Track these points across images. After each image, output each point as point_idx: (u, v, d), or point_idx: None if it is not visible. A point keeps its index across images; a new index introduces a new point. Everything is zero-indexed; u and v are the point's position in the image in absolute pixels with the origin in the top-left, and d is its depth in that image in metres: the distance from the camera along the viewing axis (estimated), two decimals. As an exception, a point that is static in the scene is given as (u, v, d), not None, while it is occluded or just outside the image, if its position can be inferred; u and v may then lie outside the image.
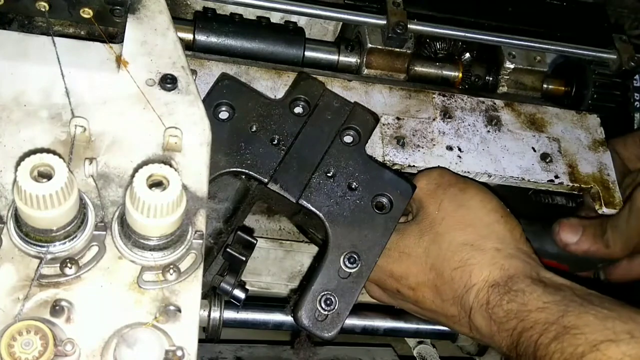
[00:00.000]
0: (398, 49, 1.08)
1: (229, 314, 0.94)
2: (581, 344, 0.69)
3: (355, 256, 0.81)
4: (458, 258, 0.83)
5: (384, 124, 0.98)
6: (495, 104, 1.05)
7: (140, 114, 0.73)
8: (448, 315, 0.85)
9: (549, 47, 1.12)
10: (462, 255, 0.83)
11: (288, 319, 0.96)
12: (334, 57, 1.10)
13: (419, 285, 0.86)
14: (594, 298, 0.74)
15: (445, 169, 0.95)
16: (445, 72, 1.13)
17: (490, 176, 0.99)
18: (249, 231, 0.90)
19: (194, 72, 0.80)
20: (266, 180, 0.83)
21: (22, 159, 0.56)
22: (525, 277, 0.79)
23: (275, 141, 0.85)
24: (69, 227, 0.60)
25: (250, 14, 1.12)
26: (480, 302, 0.80)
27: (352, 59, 1.10)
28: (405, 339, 1.20)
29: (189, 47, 1.03)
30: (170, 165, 0.59)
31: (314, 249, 1.14)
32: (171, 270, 0.63)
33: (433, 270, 0.85)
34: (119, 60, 0.76)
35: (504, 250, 0.83)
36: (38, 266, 0.61)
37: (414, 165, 0.96)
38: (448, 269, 0.83)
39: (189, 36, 1.03)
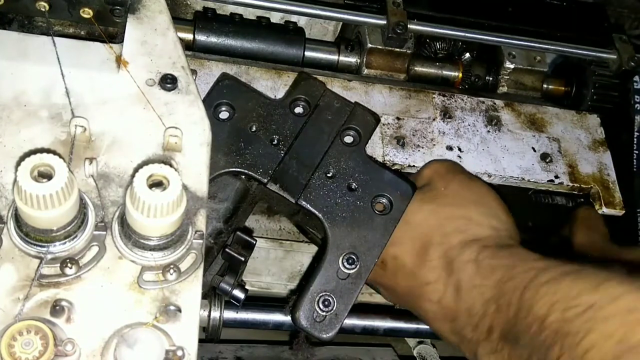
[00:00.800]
0: (398, 49, 1.08)
1: (229, 314, 0.94)
2: (578, 285, 0.62)
3: (354, 257, 0.81)
4: (454, 226, 0.81)
5: (384, 124, 0.98)
6: (495, 104, 1.06)
7: (140, 114, 0.73)
8: (423, 282, 0.80)
9: (549, 47, 1.12)
10: (458, 224, 0.81)
11: (288, 319, 0.96)
12: (334, 57, 1.10)
13: (403, 253, 0.83)
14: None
15: (457, 163, 0.96)
16: (445, 72, 1.13)
17: (490, 176, 0.99)
18: (249, 231, 0.90)
19: (194, 72, 0.80)
20: (266, 180, 0.83)
21: (22, 159, 0.56)
22: (522, 249, 0.77)
23: (275, 141, 0.85)
24: (69, 227, 0.60)
25: (250, 14, 1.12)
26: (468, 258, 0.76)
27: (352, 59, 1.10)
28: (405, 338, 1.20)
29: (189, 47, 1.03)
30: (171, 165, 0.59)
31: (314, 249, 1.14)
32: (171, 270, 0.63)
33: (424, 237, 0.83)
34: (119, 60, 0.76)
35: (501, 230, 0.81)
36: (38, 266, 0.61)
37: (414, 165, 0.96)
38: (439, 235, 0.81)
39: (189, 36, 1.03)
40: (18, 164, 0.56)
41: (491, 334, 0.71)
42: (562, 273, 0.66)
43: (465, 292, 0.76)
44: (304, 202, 0.83)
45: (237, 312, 0.96)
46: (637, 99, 1.14)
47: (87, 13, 0.83)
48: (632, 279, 0.61)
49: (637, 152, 1.12)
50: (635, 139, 1.13)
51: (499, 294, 0.71)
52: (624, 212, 1.02)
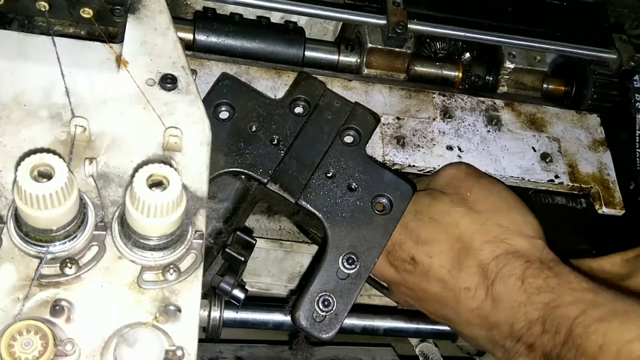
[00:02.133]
0: (398, 49, 1.08)
1: (229, 314, 0.94)
2: (630, 331, 0.63)
3: (354, 257, 0.81)
4: (493, 234, 0.80)
5: (384, 124, 0.98)
6: (495, 103, 1.06)
7: (140, 113, 0.73)
8: (461, 287, 0.80)
9: (549, 47, 1.12)
10: (498, 233, 0.80)
11: (288, 319, 0.96)
12: (334, 57, 1.10)
13: (440, 253, 0.82)
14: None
15: (473, 166, 0.94)
16: (445, 72, 1.13)
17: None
18: (249, 231, 0.90)
19: (194, 72, 0.80)
20: (266, 180, 0.83)
21: (22, 158, 0.56)
22: (566, 265, 0.76)
23: (275, 141, 0.85)
24: (69, 227, 0.60)
25: (250, 13, 1.12)
26: (512, 272, 0.76)
27: (352, 59, 1.10)
28: (408, 338, 1.20)
29: (189, 47, 1.03)
30: (170, 165, 0.59)
31: (314, 249, 1.14)
32: (171, 270, 0.63)
33: (460, 241, 0.82)
34: (119, 60, 0.76)
35: (537, 239, 0.81)
36: (38, 266, 0.61)
37: (414, 165, 0.96)
38: (479, 241, 0.80)
39: (189, 36, 1.03)
40: (18, 163, 0.56)
41: (533, 351, 0.72)
42: (612, 311, 0.67)
43: (506, 306, 0.75)
44: (303, 202, 0.83)
45: (237, 312, 0.96)
46: (638, 97, 1.14)
47: (87, 13, 0.83)
48: None
49: (639, 150, 1.11)
50: (637, 137, 1.13)
51: (545, 318, 0.71)
52: (624, 212, 1.02)
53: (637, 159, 1.12)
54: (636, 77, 1.14)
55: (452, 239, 0.82)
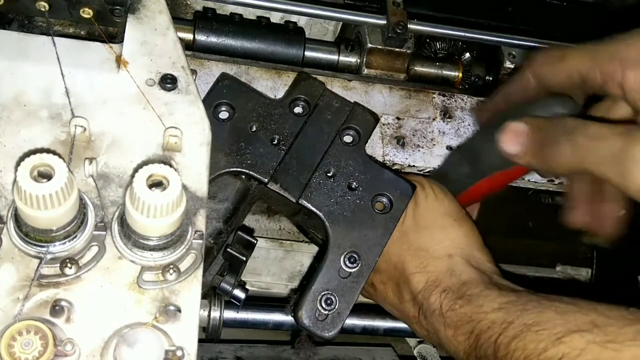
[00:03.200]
0: (398, 49, 1.08)
1: (229, 314, 0.94)
2: (543, 339, 0.66)
3: (356, 256, 0.81)
4: (417, 263, 0.83)
5: (384, 124, 0.98)
6: (495, 103, 1.05)
7: (140, 114, 0.73)
8: (409, 315, 0.84)
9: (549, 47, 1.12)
10: (420, 261, 0.83)
11: (288, 319, 0.96)
12: (334, 57, 1.10)
13: (388, 281, 0.86)
14: (552, 296, 0.72)
15: (427, 179, 0.92)
16: (445, 72, 1.13)
17: (490, 176, 0.99)
18: (249, 231, 0.90)
19: (194, 72, 0.80)
20: (266, 180, 0.83)
21: (22, 159, 0.56)
22: (478, 283, 0.78)
23: (275, 141, 0.85)
24: (69, 227, 0.60)
25: (250, 14, 1.12)
26: (433, 307, 0.79)
27: (352, 59, 1.10)
28: (406, 338, 1.20)
29: (189, 47, 1.03)
30: (170, 165, 0.59)
31: (314, 249, 1.14)
32: (171, 270, 0.63)
33: (397, 269, 0.85)
34: (119, 60, 0.76)
35: (456, 256, 0.82)
36: (38, 266, 0.61)
37: (414, 165, 0.96)
38: (407, 272, 0.83)
39: (189, 36, 1.03)
40: (18, 164, 0.56)
41: None
42: (524, 327, 0.69)
43: (443, 341, 0.79)
44: (304, 202, 0.83)
45: (237, 312, 0.96)
46: None
47: (87, 13, 0.83)
48: (590, 326, 0.64)
49: None
50: None
51: (474, 345, 0.74)
52: (623, 212, 1.02)
53: None
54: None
55: (391, 267, 0.85)
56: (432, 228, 0.85)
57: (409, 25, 1.05)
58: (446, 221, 0.85)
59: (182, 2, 1.15)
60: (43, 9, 0.82)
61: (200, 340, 0.63)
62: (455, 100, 1.04)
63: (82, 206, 0.62)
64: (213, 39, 1.05)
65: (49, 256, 0.61)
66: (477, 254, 0.83)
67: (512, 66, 1.12)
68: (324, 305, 0.80)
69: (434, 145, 0.99)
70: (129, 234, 0.62)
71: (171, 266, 0.63)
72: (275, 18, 1.14)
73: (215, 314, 0.90)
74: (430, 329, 0.81)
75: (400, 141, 0.98)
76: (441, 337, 0.79)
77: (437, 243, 0.83)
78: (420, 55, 1.13)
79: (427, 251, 0.83)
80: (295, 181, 0.84)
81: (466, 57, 1.15)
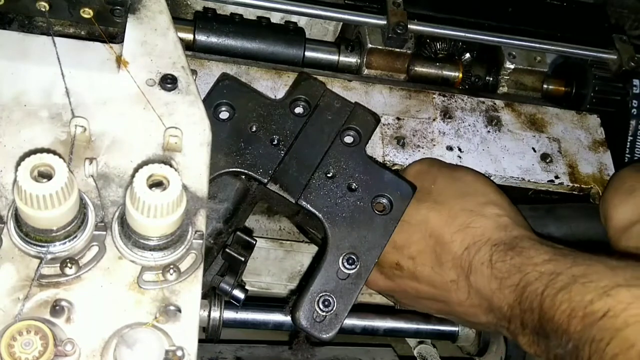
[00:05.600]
0: (398, 49, 1.08)
1: (229, 314, 0.94)
2: (590, 291, 0.66)
3: (354, 257, 0.81)
4: (459, 222, 0.82)
5: (384, 124, 0.98)
6: (495, 104, 1.06)
7: (140, 114, 0.73)
8: (447, 280, 0.82)
9: (549, 47, 1.12)
10: (463, 220, 0.82)
11: (288, 319, 0.96)
12: (334, 57, 1.10)
13: (420, 253, 0.84)
14: (602, 254, 0.72)
15: (435, 158, 0.96)
16: (446, 72, 1.13)
17: (491, 176, 0.99)
18: (249, 232, 0.90)
19: (194, 72, 0.80)
20: (266, 180, 0.83)
21: (22, 159, 0.56)
22: (529, 239, 0.78)
23: (275, 141, 0.85)
24: (69, 227, 0.60)
25: (250, 14, 1.12)
26: (482, 260, 0.78)
27: (352, 59, 1.10)
28: (406, 338, 1.20)
29: (189, 47, 1.03)
30: (170, 165, 0.59)
31: (314, 249, 1.14)
32: (171, 270, 0.63)
33: (432, 236, 0.83)
34: (119, 60, 0.76)
35: (505, 216, 0.82)
36: (38, 266, 0.61)
37: (414, 166, 0.96)
38: (448, 233, 0.82)
39: (189, 36, 1.03)
40: (18, 164, 0.56)
41: (525, 329, 0.74)
42: (571, 278, 0.69)
43: (487, 295, 0.78)
44: (304, 202, 0.83)
45: (237, 312, 0.96)
46: (635, 103, 1.13)
47: (87, 13, 0.83)
48: (638, 282, 0.64)
49: (629, 156, 1.11)
50: (628, 143, 1.13)
51: (519, 299, 0.74)
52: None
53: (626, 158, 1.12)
54: (635, 81, 1.13)
55: (425, 236, 0.84)
56: (476, 194, 0.85)
57: (409, 26, 1.05)
58: (488, 188, 0.87)
59: (182, 2, 1.15)
60: (43, 9, 0.82)
61: (200, 340, 0.63)
62: (455, 101, 1.04)
63: (83, 206, 0.62)
64: (213, 39, 1.05)
65: (49, 256, 0.61)
66: (520, 217, 0.84)
67: (512, 66, 1.12)
68: (321, 307, 0.79)
69: (434, 145, 0.99)
70: (129, 234, 0.62)
71: (171, 266, 0.63)
72: (276, 18, 1.14)
73: (215, 314, 0.90)
74: (472, 289, 0.79)
75: (401, 141, 0.98)
76: (484, 294, 0.78)
77: (482, 205, 0.83)
78: (420, 55, 1.13)
79: (472, 211, 0.83)
80: (295, 182, 0.84)
81: (466, 57, 1.15)
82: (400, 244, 0.85)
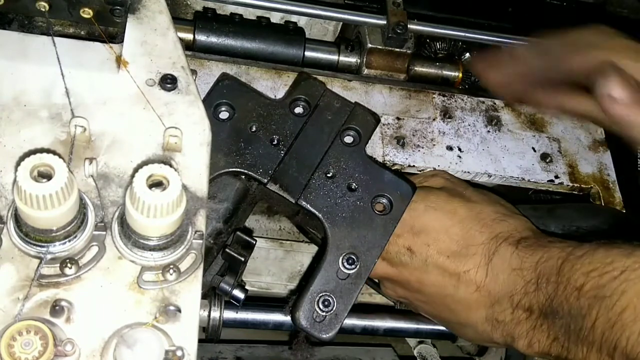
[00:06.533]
0: (398, 49, 1.08)
1: (229, 314, 0.94)
2: (612, 255, 0.67)
3: (354, 257, 0.81)
4: (491, 218, 0.84)
5: (384, 124, 0.98)
6: (495, 104, 1.06)
7: (140, 114, 0.73)
8: (460, 271, 0.81)
9: (549, 47, 1.12)
10: (494, 217, 0.84)
11: (288, 319, 0.96)
12: (334, 57, 1.10)
13: (437, 241, 0.84)
14: None
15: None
16: (445, 72, 1.13)
17: (490, 176, 0.99)
18: (249, 231, 0.90)
19: (194, 72, 0.80)
20: (266, 180, 0.83)
21: (22, 159, 0.56)
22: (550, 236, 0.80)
23: (275, 141, 0.85)
24: (69, 227, 0.60)
25: (250, 14, 1.12)
26: (509, 243, 0.80)
27: (352, 59, 1.10)
28: (406, 338, 1.20)
29: (189, 47, 1.03)
30: (170, 165, 0.59)
31: (314, 249, 1.14)
32: (171, 270, 0.63)
33: (459, 226, 0.84)
34: (119, 60, 0.76)
35: (529, 222, 0.85)
36: (38, 266, 0.61)
37: (414, 165, 0.96)
38: (478, 225, 0.83)
39: (189, 36, 1.04)
40: (18, 164, 0.56)
41: (531, 314, 0.75)
42: (595, 245, 0.71)
43: (505, 277, 0.79)
44: (303, 202, 0.83)
45: (237, 312, 0.96)
46: None
47: (87, 13, 0.83)
48: None
49: None
50: None
51: (538, 275, 0.75)
52: (624, 212, 1.02)
53: (638, 160, 1.12)
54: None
55: (449, 225, 0.84)
56: (506, 206, 0.87)
57: (409, 26, 1.05)
58: (514, 209, 0.89)
59: (182, 2, 1.15)
60: (43, 9, 0.82)
61: (200, 340, 0.63)
62: (455, 101, 1.04)
63: (82, 206, 0.62)
64: (213, 39, 1.05)
65: (49, 256, 0.61)
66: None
67: (512, 66, 1.12)
68: (321, 307, 0.79)
69: (434, 145, 0.99)
70: (129, 234, 0.62)
71: (171, 266, 0.63)
72: (275, 18, 1.14)
73: (215, 314, 0.90)
74: (487, 277, 0.80)
75: (400, 141, 0.98)
76: (502, 275, 0.78)
77: (511, 212, 0.86)
78: (420, 55, 1.13)
79: (504, 214, 0.85)
80: (294, 182, 0.84)
81: (466, 57, 1.15)
82: (418, 228, 0.84)
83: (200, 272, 0.65)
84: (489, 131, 1.02)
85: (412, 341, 1.20)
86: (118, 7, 0.82)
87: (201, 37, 1.04)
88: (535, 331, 0.74)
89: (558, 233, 0.91)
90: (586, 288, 0.68)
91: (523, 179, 1.00)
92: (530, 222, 0.85)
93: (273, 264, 1.16)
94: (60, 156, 0.56)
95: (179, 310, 0.62)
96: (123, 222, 0.63)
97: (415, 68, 1.11)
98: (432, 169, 0.97)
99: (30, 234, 0.60)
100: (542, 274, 0.74)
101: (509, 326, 0.77)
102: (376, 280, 0.96)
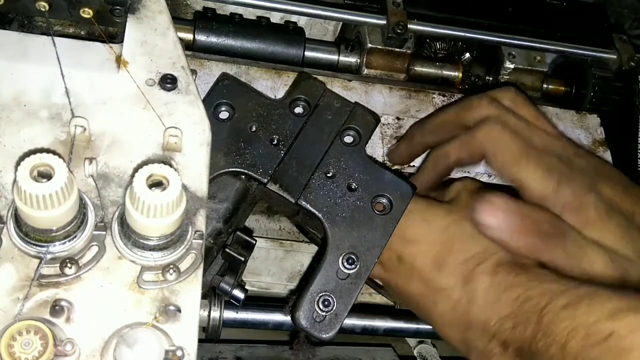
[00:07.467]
0: (398, 49, 1.08)
1: (229, 314, 0.94)
2: (595, 312, 0.64)
3: (354, 257, 0.81)
4: (477, 235, 0.80)
5: (384, 124, 0.98)
6: (495, 104, 1.05)
7: (140, 114, 0.73)
8: (439, 287, 0.80)
9: (549, 47, 1.12)
10: (480, 238, 0.80)
11: (288, 319, 0.96)
12: (334, 57, 1.10)
13: (423, 253, 0.83)
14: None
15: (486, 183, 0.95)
16: (445, 72, 1.13)
17: (490, 176, 0.99)
18: (249, 231, 0.90)
19: (194, 72, 0.80)
20: (265, 180, 0.83)
21: (22, 158, 0.56)
22: (537, 268, 0.76)
23: (275, 141, 0.85)
24: (69, 227, 0.60)
25: (250, 14, 1.12)
26: (485, 270, 0.77)
27: (352, 59, 1.10)
28: (406, 338, 1.20)
29: (189, 47, 1.03)
30: (170, 165, 0.59)
31: (314, 249, 1.14)
32: (171, 270, 0.63)
33: (445, 244, 0.82)
34: (119, 60, 0.76)
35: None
36: (38, 266, 0.61)
37: (413, 165, 0.96)
38: (461, 243, 0.81)
39: (189, 36, 1.03)
40: (18, 163, 0.56)
41: (506, 349, 0.72)
42: (577, 297, 0.67)
43: (479, 306, 0.76)
44: (303, 202, 0.83)
45: (237, 312, 0.96)
46: None
47: (87, 13, 0.83)
48: None
49: None
50: (639, 139, 1.12)
51: (515, 312, 0.72)
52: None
53: (639, 160, 1.12)
54: (643, 78, 1.13)
55: (437, 240, 0.83)
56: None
57: (409, 25, 1.05)
58: None
59: (182, 2, 1.15)
60: (43, 9, 0.82)
61: (200, 340, 0.63)
62: (455, 100, 1.04)
63: (82, 206, 0.62)
64: (213, 39, 1.05)
65: (49, 256, 0.61)
66: None
67: (512, 66, 1.12)
68: (321, 307, 0.79)
69: (434, 145, 0.99)
70: (129, 234, 0.62)
71: (171, 266, 0.63)
72: (275, 18, 1.14)
73: (215, 314, 0.90)
74: (463, 299, 0.78)
75: (400, 141, 0.97)
76: (477, 303, 0.75)
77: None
78: (420, 55, 1.13)
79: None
80: (294, 182, 0.84)
81: (466, 57, 1.15)
82: (409, 237, 0.84)
83: (200, 272, 0.65)
84: (489, 131, 1.02)
85: (412, 341, 1.20)
86: (118, 7, 0.82)
87: (201, 37, 1.04)
88: None
89: None
90: (570, 345, 0.64)
91: (523, 179, 0.99)
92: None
93: (273, 264, 1.16)
94: (60, 156, 0.56)
95: (179, 310, 0.62)
96: (123, 222, 0.63)
97: (415, 68, 1.11)
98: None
99: (30, 234, 0.60)
100: (519, 313, 0.71)
101: (484, 356, 0.75)
102: (376, 280, 0.97)
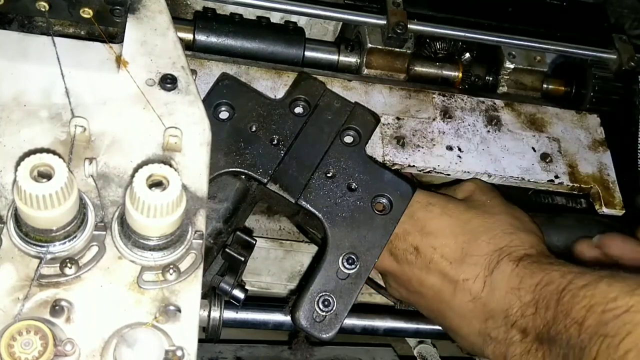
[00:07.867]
0: (398, 49, 1.08)
1: (229, 314, 0.94)
2: (615, 289, 0.65)
3: (354, 257, 0.81)
4: (501, 230, 0.83)
5: (384, 124, 0.98)
6: (495, 104, 1.06)
7: (140, 114, 0.73)
8: (460, 279, 0.81)
9: (549, 47, 1.12)
10: (505, 228, 0.83)
11: (288, 319, 0.96)
12: (334, 57, 1.10)
13: (444, 246, 0.84)
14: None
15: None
16: (445, 72, 1.13)
17: (490, 176, 0.99)
18: (249, 231, 0.90)
19: (194, 72, 0.80)
20: (265, 180, 0.83)
21: (22, 159, 0.56)
22: (560, 260, 0.79)
23: (275, 141, 0.85)
24: (69, 227, 0.60)
25: (250, 14, 1.12)
26: (510, 259, 0.79)
27: (352, 59, 1.10)
28: (406, 338, 1.20)
29: (189, 47, 1.03)
30: (170, 165, 0.59)
31: (314, 249, 1.14)
32: (171, 270, 0.63)
33: (468, 234, 0.84)
34: (119, 60, 0.76)
35: (542, 246, 0.84)
36: (38, 266, 0.61)
37: (413, 165, 0.96)
38: (486, 236, 0.83)
39: (189, 36, 1.03)
40: (18, 163, 0.56)
41: (526, 336, 0.74)
42: (598, 277, 0.69)
43: (502, 293, 0.78)
44: (303, 202, 0.83)
45: (237, 312, 0.96)
46: None
47: (87, 13, 0.83)
48: None
49: None
50: (639, 139, 1.12)
51: (537, 298, 0.74)
52: (624, 212, 1.02)
53: (639, 160, 1.12)
54: (642, 78, 1.13)
55: (459, 232, 0.84)
56: (526, 222, 0.87)
57: (409, 25, 1.05)
58: (531, 222, 0.88)
59: (182, 2, 1.15)
60: (43, 9, 0.82)
61: (200, 340, 0.63)
62: (455, 101, 1.04)
63: (82, 206, 0.62)
64: (213, 39, 1.05)
65: (49, 256, 0.61)
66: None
67: (512, 66, 1.12)
68: (321, 307, 0.79)
69: (434, 145, 0.99)
70: (129, 234, 0.62)
71: (171, 266, 0.63)
72: (275, 18, 1.14)
73: (215, 314, 0.90)
74: (485, 288, 0.79)
75: (400, 141, 0.98)
76: (499, 291, 0.77)
77: (524, 225, 0.85)
78: (420, 55, 1.13)
79: (518, 227, 0.84)
80: (294, 182, 0.84)
81: (466, 57, 1.15)
82: (429, 230, 0.85)
83: (200, 272, 0.65)
84: (489, 131, 1.02)
85: (412, 341, 1.20)
86: (118, 7, 0.82)
87: (201, 37, 1.04)
88: (530, 356, 0.73)
89: (559, 248, 0.92)
90: (588, 323, 0.66)
91: (523, 179, 1.00)
92: (540, 240, 0.84)
93: (273, 264, 1.16)
94: (60, 156, 0.56)
95: (179, 310, 0.62)
96: (123, 222, 0.63)
97: (415, 68, 1.11)
98: (431, 169, 0.97)
99: (30, 234, 0.60)
100: (541, 298, 0.73)
101: (502, 345, 0.77)
102: (376, 280, 0.96)
